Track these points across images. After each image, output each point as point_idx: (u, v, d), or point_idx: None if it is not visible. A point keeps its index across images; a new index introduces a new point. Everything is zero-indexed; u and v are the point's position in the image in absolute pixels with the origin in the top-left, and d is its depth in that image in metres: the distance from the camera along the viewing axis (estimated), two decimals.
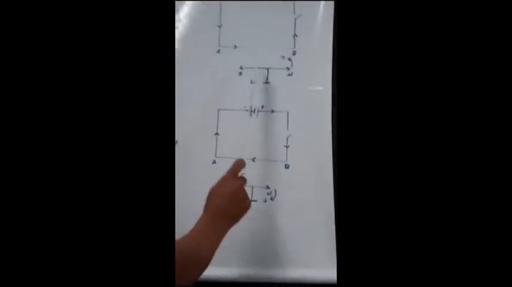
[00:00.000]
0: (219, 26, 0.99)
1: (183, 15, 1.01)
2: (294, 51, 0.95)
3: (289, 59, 0.95)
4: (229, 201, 0.68)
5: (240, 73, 0.96)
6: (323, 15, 0.94)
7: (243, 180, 0.73)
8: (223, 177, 0.72)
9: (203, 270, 0.63)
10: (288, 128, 0.92)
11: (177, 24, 1.01)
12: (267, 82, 0.94)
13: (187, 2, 1.01)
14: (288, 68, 0.94)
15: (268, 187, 0.91)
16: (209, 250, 0.64)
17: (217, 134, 0.95)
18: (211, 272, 0.64)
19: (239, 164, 0.74)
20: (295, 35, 0.95)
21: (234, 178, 0.72)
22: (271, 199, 0.91)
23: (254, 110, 0.93)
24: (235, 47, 0.98)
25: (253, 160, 0.91)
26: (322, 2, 0.95)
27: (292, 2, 0.96)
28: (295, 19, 0.96)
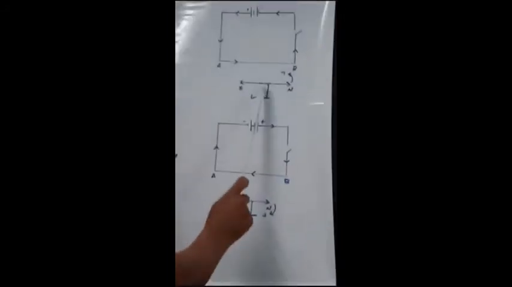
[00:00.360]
0: (220, 41, 1.00)
1: (183, 29, 1.02)
2: (294, 66, 0.95)
3: (290, 74, 0.95)
4: (231, 217, 0.69)
5: (241, 88, 0.96)
6: (323, 31, 0.95)
7: (246, 197, 0.74)
8: (226, 194, 0.72)
9: (203, 285, 0.63)
10: (288, 143, 0.92)
11: (177, 38, 1.01)
12: (267, 97, 0.95)
13: (188, 16, 1.02)
14: (288, 83, 0.95)
15: (267, 202, 0.91)
16: (209, 265, 0.64)
17: (216, 148, 0.95)
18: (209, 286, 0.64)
19: (242, 182, 0.75)
20: (295, 51, 0.96)
21: (237, 195, 0.73)
22: (271, 213, 0.90)
23: (254, 125, 0.93)
24: (236, 61, 0.98)
25: (252, 174, 0.91)
26: (322, 18, 0.95)
27: (293, 17, 0.97)
28: (295, 34, 0.97)
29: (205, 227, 0.68)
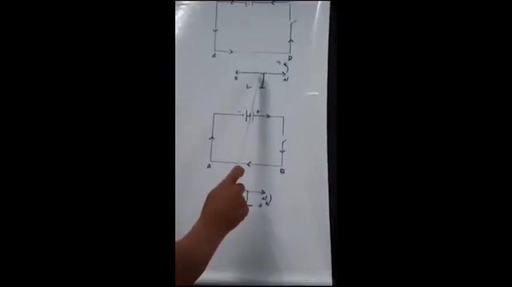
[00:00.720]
0: (215, 31, 0.99)
1: (178, 19, 1.01)
2: (289, 56, 0.95)
3: (285, 64, 0.95)
4: (227, 206, 0.69)
5: (236, 78, 0.96)
6: (319, 21, 0.95)
7: (241, 186, 0.74)
8: (222, 183, 0.72)
9: (199, 274, 0.63)
10: (283, 133, 0.92)
11: None
12: (262, 87, 0.94)
13: (182, 6, 1.02)
14: (283, 73, 0.94)
15: (263, 192, 0.91)
16: (205, 254, 0.64)
17: (212, 138, 0.94)
18: (205, 276, 0.63)
19: (237, 171, 0.75)
20: (290, 40, 0.96)
21: (232, 184, 0.73)
22: (267, 203, 0.90)
23: (250, 115, 0.93)
24: (231, 51, 0.98)
25: (248, 164, 0.91)
26: (318, 7, 0.95)
27: (288, 7, 0.97)
28: (290, 24, 0.96)
29: (200, 217, 0.68)
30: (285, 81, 0.94)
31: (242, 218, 0.71)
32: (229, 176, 0.73)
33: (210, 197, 0.70)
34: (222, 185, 0.72)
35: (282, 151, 0.92)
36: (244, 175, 0.75)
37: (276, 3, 0.98)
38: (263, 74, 0.95)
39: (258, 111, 0.93)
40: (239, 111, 0.94)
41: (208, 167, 0.93)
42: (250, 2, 1.00)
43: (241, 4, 1.00)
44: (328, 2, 0.94)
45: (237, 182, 0.74)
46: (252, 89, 0.94)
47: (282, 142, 0.92)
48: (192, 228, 0.67)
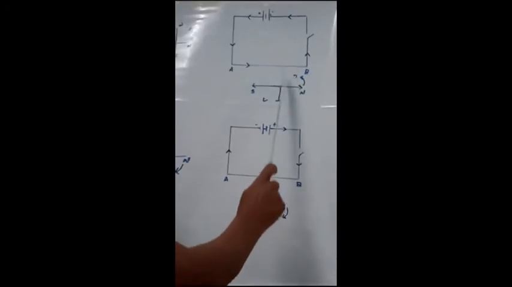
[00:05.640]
0: (232, 45, 1.00)
1: (196, 33, 1.03)
2: (306, 69, 0.95)
3: (302, 78, 0.95)
4: (263, 201, 0.68)
5: (253, 91, 0.97)
6: (335, 35, 0.95)
7: (276, 183, 0.73)
8: (255, 180, 0.72)
9: (235, 274, 0.61)
10: (300, 146, 0.92)
11: (190, 42, 1.02)
12: (279, 100, 0.95)
13: (200, 20, 1.03)
14: (300, 86, 0.95)
15: None
16: (241, 252, 0.63)
17: (229, 151, 0.95)
18: None
19: (271, 168, 0.74)
20: (307, 54, 0.96)
21: (266, 181, 0.72)
22: (284, 216, 0.90)
23: (266, 128, 0.93)
24: (248, 65, 0.98)
25: None
26: (334, 21, 0.95)
27: (305, 21, 0.97)
28: (307, 38, 0.97)
29: (236, 215, 0.67)
30: (301, 95, 0.95)
31: (279, 214, 0.71)
32: (262, 173, 0.73)
33: (245, 194, 0.70)
34: (256, 183, 0.71)
35: (299, 164, 0.92)
36: None
37: (293, 17, 0.98)
38: (280, 87, 0.95)
39: (274, 125, 0.93)
40: (256, 125, 0.94)
41: (225, 180, 0.94)
42: (267, 16, 1.01)
43: (258, 18, 1.01)
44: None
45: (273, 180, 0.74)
46: (268, 102, 0.95)
47: (299, 155, 0.92)
48: (227, 228, 0.65)
